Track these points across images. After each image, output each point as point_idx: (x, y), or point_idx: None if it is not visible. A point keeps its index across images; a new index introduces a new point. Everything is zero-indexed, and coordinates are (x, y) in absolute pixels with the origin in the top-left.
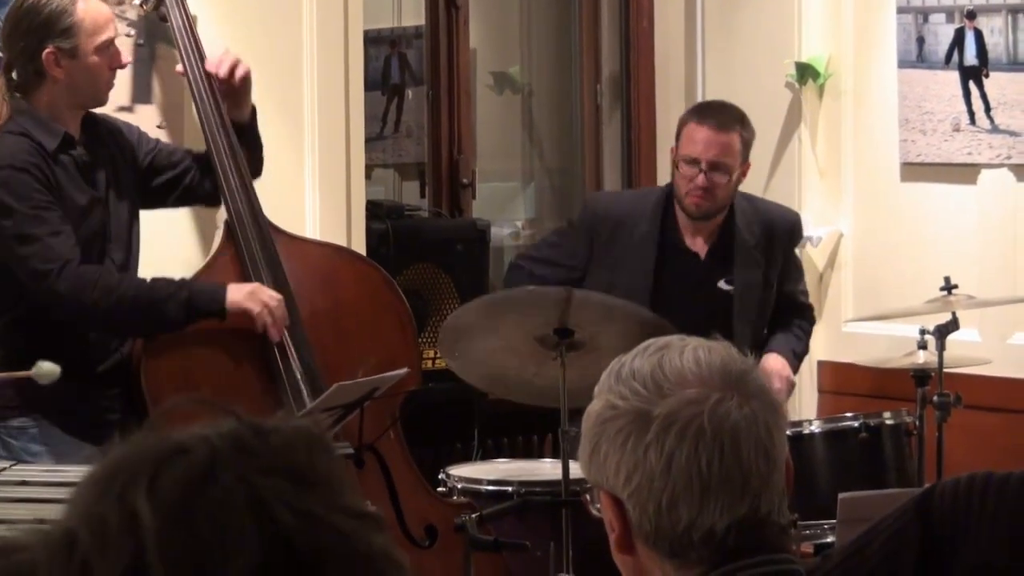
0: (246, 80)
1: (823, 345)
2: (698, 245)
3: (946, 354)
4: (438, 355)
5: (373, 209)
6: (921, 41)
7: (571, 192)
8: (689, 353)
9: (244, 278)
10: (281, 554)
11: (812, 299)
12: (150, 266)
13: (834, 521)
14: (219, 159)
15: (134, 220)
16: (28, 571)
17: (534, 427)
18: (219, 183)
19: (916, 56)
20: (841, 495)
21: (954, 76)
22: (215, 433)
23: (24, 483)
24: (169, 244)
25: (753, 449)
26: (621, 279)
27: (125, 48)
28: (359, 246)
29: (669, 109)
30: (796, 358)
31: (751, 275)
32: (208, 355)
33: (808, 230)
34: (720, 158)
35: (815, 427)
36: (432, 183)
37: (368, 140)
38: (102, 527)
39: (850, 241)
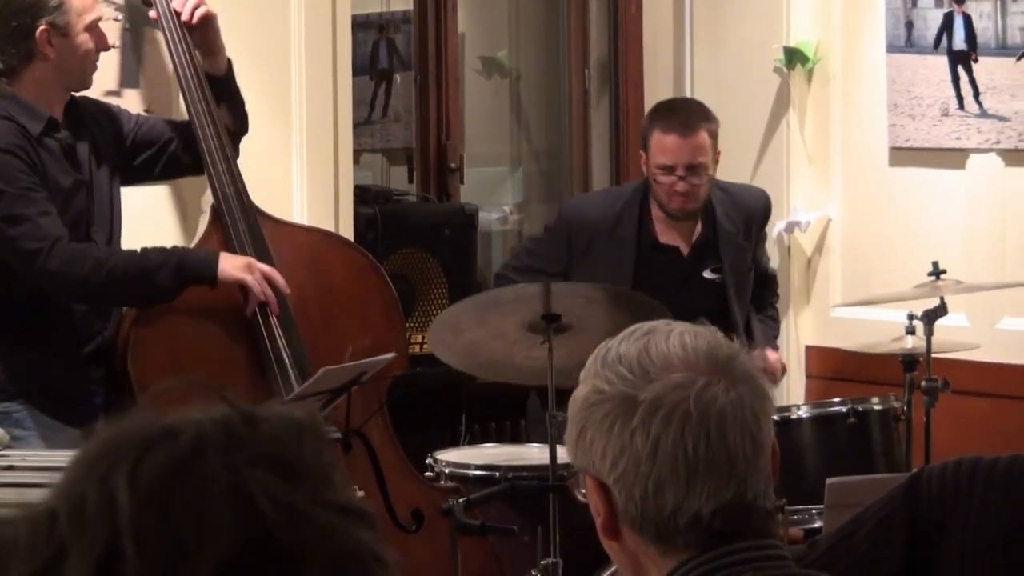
0: (207, 21)
1: (811, 330)
2: (677, 240)
3: (934, 339)
4: (425, 340)
5: (361, 194)
6: (910, 26)
7: (559, 177)
8: (675, 338)
9: None
10: (260, 547)
11: (800, 284)
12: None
13: (822, 506)
14: (205, 144)
15: (117, 202)
16: (9, 546)
17: (522, 412)
18: (205, 167)
19: (905, 41)
20: (829, 480)
21: (943, 61)
22: (207, 418)
23: (11, 468)
24: (153, 227)
25: (739, 433)
26: (602, 280)
27: (112, 32)
28: (347, 231)
29: (657, 94)
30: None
31: (739, 261)
32: (196, 339)
33: (796, 215)
34: (694, 160)
35: (803, 412)
36: (420, 168)
37: (356, 125)
38: (81, 508)
39: (838, 226)
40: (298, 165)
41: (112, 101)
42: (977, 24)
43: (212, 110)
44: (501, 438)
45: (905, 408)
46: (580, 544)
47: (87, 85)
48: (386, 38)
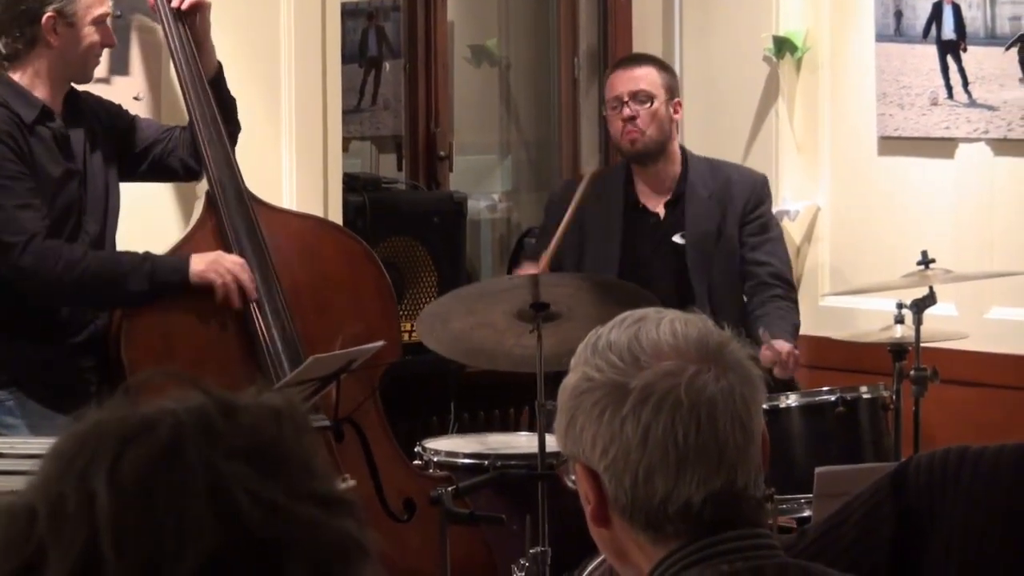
0: (198, 9)
1: (800, 319)
2: (655, 203)
3: (923, 328)
4: (414, 328)
5: (350, 182)
6: (899, 15)
7: (548, 165)
8: (666, 325)
9: (224, 249)
10: (240, 542)
11: None
12: (129, 239)
13: (811, 495)
14: (200, 129)
15: (112, 193)
16: None
17: (511, 400)
18: (200, 153)
19: (894, 30)
20: (818, 469)
21: (932, 50)
22: (183, 408)
23: (1, 455)
24: (149, 217)
25: (730, 422)
26: (591, 247)
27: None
28: (336, 218)
29: None
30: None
31: (704, 225)
32: (188, 326)
33: (785, 204)
34: (637, 87)
35: (792, 401)
36: (409, 156)
37: (345, 113)
38: (61, 508)
39: (827, 215)
40: (287, 153)
41: (102, 88)
42: (966, 13)
43: (207, 96)
44: (490, 426)
45: (894, 397)
46: (569, 533)
47: (88, 78)
48: (375, 26)
